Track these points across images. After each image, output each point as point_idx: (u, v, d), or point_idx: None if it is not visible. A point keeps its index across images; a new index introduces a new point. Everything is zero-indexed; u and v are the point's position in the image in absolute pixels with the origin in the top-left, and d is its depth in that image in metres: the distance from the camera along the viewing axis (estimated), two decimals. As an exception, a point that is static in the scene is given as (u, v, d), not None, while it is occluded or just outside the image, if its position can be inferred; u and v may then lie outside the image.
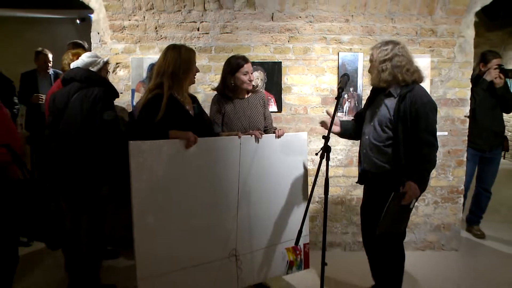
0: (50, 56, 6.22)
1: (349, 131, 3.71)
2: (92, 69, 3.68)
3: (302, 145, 3.71)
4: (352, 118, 3.86)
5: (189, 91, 3.49)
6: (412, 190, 3.10)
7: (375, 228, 3.27)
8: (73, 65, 3.74)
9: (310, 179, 3.62)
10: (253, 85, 3.75)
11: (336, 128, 3.62)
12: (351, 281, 4.19)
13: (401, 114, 3.21)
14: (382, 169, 3.35)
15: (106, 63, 3.84)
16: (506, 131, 5.54)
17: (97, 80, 3.63)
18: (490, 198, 5.46)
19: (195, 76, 3.38)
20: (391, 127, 3.27)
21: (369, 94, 3.63)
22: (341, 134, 3.74)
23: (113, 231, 4.78)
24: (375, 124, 3.37)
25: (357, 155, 3.84)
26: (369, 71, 3.46)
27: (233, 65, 3.63)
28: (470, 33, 4.76)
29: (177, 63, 3.20)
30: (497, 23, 8.53)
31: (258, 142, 3.41)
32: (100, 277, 3.77)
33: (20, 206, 3.22)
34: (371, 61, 3.40)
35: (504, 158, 5.81)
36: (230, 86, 3.67)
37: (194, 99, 3.50)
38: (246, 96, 3.77)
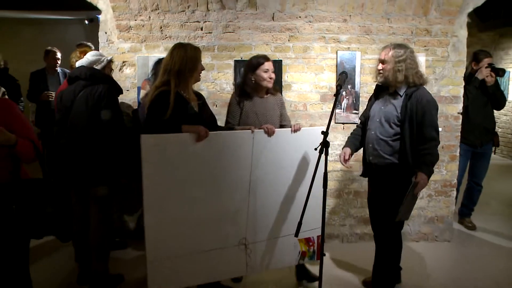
0: (59, 54, 6.18)
1: (359, 144, 3.73)
2: (96, 67, 3.67)
3: (317, 139, 3.51)
4: (358, 124, 3.82)
5: (194, 89, 3.43)
6: (424, 181, 3.23)
7: (383, 218, 3.44)
8: (78, 63, 3.72)
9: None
10: (275, 87, 3.72)
11: (348, 154, 3.61)
12: (349, 271, 4.17)
13: (408, 111, 3.31)
14: (389, 162, 3.42)
15: (110, 61, 3.83)
16: (496, 127, 5.50)
17: (101, 78, 3.61)
18: (481, 192, 5.44)
19: (200, 74, 3.32)
20: (398, 123, 3.36)
21: (372, 93, 3.69)
22: (356, 151, 3.75)
23: (121, 223, 4.76)
24: (382, 121, 3.44)
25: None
26: (380, 71, 3.44)
27: (254, 63, 3.59)
28: (463, 33, 4.73)
29: (183, 62, 3.12)
30: (488, 24, 8.50)
31: (270, 136, 3.32)
32: (108, 267, 3.73)
33: (34, 207, 3.15)
34: (383, 61, 3.41)
35: (494, 153, 5.79)
36: (250, 83, 3.61)
37: (199, 96, 3.44)
38: (265, 96, 3.70)
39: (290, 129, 3.47)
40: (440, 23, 4.61)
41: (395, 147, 3.38)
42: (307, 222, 3.42)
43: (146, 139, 2.91)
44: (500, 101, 5.19)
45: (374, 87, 4.61)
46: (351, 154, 3.63)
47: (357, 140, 3.72)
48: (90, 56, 3.71)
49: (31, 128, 2.88)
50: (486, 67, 4.97)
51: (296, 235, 3.01)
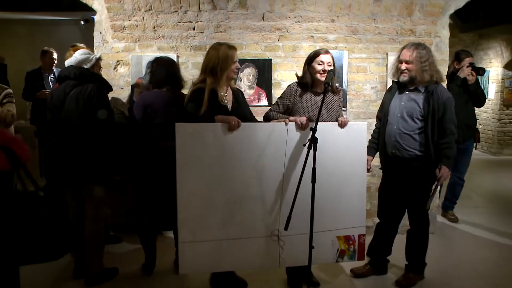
0: (56, 55, 6.10)
1: (377, 147, 3.78)
2: (85, 66, 3.57)
3: (360, 134, 3.40)
4: (377, 125, 3.84)
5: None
6: (447, 173, 3.43)
7: (412, 206, 3.61)
8: (67, 63, 3.64)
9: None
10: (336, 87, 3.53)
11: (370, 163, 3.65)
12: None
13: (431, 107, 3.40)
14: (413, 154, 3.51)
15: (99, 60, 3.72)
16: (477, 124, 5.52)
17: (90, 77, 3.53)
18: (463, 186, 5.45)
19: (236, 72, 3.30)
20: (421, 118, 3.46)
21: (388, 89, 3.80)
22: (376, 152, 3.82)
23: (115, 217, 4.71)
24: (404, 116, 3.51)
25: None
26: (405, 70, 3.46)
27: (311, 55, 3.42)
28: (445, 33, 4.74)
29: (216, 61, 3.18)
30: (469, 25, 8.52)
31: (303, 129, 3.18)
32: (102, 261, 3.69)
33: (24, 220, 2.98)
34: (407, 61, 3.44)
35: (475, 149, 5.81)
36: (306, 76, 3.43)
37: (237, 93, 3.43)
38: (321, 91, 3.41)
39: (335, 123, 3.32)
40: (424, 24, 4.60)
41: (418, 140, 3.48)
42: (347, 220, 3.39)
43: (180, 127, 2.99)
44: (481, 99, 5.20)
45: (361, 85, 4.65)
46: (371, 160, 3.71)
47: (376, 144, 3.77)
48: (78, 55, 3.61)
49: (8, 135, 2.74)
50: (467, 66, 4.98)
51: (285, 228, 2.93)
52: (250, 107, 3.58)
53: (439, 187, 3.61)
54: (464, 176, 5.38)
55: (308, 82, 3.42)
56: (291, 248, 3.25)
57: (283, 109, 3.48)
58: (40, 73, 6.03)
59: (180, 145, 3.00)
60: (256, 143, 3.15)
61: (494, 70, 10.00)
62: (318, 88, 3.43)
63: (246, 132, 3.11)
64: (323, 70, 3.33)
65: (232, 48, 3.28)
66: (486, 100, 5.73)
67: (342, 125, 3.31)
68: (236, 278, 3.65)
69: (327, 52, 3.40)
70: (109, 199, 3.75)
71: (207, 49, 3.28)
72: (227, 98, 3.32)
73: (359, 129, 3.41)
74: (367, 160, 3.54)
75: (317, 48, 4.44)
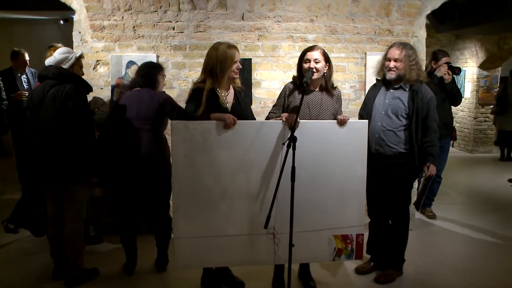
0: (27, 55, 5.98)
1: None
2: (64, 66, 3.48)
3: (361, 132, 3.27)
4: (359, 118, 3.84)
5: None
6: (434, 170, 3.49)
7: (394, 201, 3.64)
8: (47, 62, 3.55)
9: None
10: (332, 85, 3.44)
11: None
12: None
13: (415, 106, 3.46)
14: (395, 151, 3.55)
15: (79, 59, 3.61)
16: (454, 122, 5.58)
17: (68, 77, 3.45)
18: (440, 183, 5.50)
19: (236, 72, 3.19)
20: (406, 116, 3.51)
21: (371, 87, 3.81)
22: None
23: (97, 217, 4.65)
24: (389, 113, 3.55)
25: None
26: (392, 68, 3.49)
27: (301, 53, 3.36)
28: (422, 33, 4.78)
29: (215, 61, 3.11)
30: (445, 25, 8.62)
31: (295, 126, 2.96)
32: (83, 261, 3.63)
33: None
34: (396, 60, 3.48)
35: (452, 147, 5.87)
36: (298, 75, 3.38)
37: (240, 93, 3.34)
38: (316, 90, 3.38)
39: (334, 121, 3.19)
40: (401, 24, 4.63)
41: (402, 137, 3.53)
42: (345, 219, 3.30)
43: (176, 124, 3.00)
44: (457, 98, 5.25)
45: (340, 84, 4.65)
46: None
47: None
48: (57, 55, 3.52)
49: None
50: (444, 65, 5.03)
51: (265, 226, 2.89)
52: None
53: (426, 185, 3.65)
54: (442, 174, 5.43)
55: (298, 80, 3.36)
56: (287, 245, 3.07)
57: (281, 109, 3.42)
58: (11, 73, 5.88)
59: (175, 142, 2.99)
60: (252, 141, 3.09)
61: (469, 69, 10.14)
62: (311, 86, 3.33)
63: (242, 130, 3.07)
64: (309, 68, 3.24)
65: (232, 47, 3.16)
66: (462, 99, 5.80)
67: (342, 123, 3.18)
68: (233, 278, 3.63)
69: (313, 48, 3.31)
70: (88, 199, 3.69)
71: (208, 49, 3.21)
72: (228, 98, 3.25)
73: (360, 127, 3.29)
74: None
75: (297, 48, 4.49)
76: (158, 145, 3.68)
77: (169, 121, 3.42)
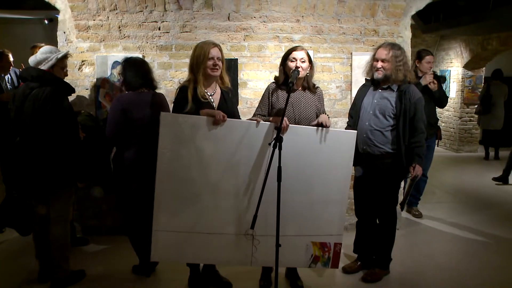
0: (11, 57, 5.90)
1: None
2: (42, 67, 3.36)
3: (349, 143, 3.26)
4: (349, 122, 3.84)
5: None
6: (420, 171, 3.49)
7: (381, 201, 3.65)
8: (29, 61, 3.44)
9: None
10: (313, 84, 3.46)
11: None
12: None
13: (403, 106, 3.46)
14: (382, 151, 3.56)
15: (61, 59, 3.45)
16: (440, 122, 5.63)
17: (47, 79, 3.34)
18: (426, 182, 5.55)
19: (211, 68, 3.14)
20: (393, 116, 3.51)
21: (361, 87, 3.79)
22: None
23: (83, 219, 4.61)
24: (377, 113, 3.55)
25: None
26: (380, 68, 3.50)
27: (286, 53, 3.37)
28: (408, 34, 4.80)
29: (193, 60, 3.17)
30: (430, 26, 8.68)
31: (281, 127, 2.95)
32: (69, 263, 3.60)
33: None
34: (383, 60, 3.49)
35: (437, 146, 5.92)
36: (280, 75, 3.41)
37: (227, 93, 3.33)
38: (299, 89, 3.41)
39: (325, 129, 3.17)
40: (387, 24, 4.65)
41: (389, 137, 3.53)
42: (325, 227, 3.29)
43: (164, 116, 2.97)
44: (443, 102, 5.31)
45: (326, 84, 4.67)
46: None
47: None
48: (39, 54, 3.39)
49: None
50: (429, 74, 5.07)
51: (252, 227, 2.90)
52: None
53: (411, 185, 3.68)
54: (427, 172, 5.47)
55: (281, 80, 3.39)
56: (265, 248, 3.16)
57: (265, 109, 3.43)
58: None
59: (162, 134, 2.95)
60: (241, 139, 3.07)
61: (454, 69, 10.23)
62: (295, 85, 3.30)
63: (231, 127, 3.05)
64: (296, 67, 3.26)
65: (210, 43, 3.17)
66: (448, 99, 5.83)
67: (324, 124, 3.17)
68: (221, 279, 3.63)
69: (297, 48, 3.34)
70: (76, 201, 3.66)
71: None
72: (214, 96, 3.24)
73: (348, 137, 3.29)
74: None
75: (283, 48, 4.49)
76: None
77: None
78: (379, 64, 3.51)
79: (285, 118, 3.02)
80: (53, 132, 3.30)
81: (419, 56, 5.21)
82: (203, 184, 3.08)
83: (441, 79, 5.18)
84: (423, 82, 5.01)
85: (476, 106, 9.73)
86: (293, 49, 3.35)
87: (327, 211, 3.28)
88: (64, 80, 3.52)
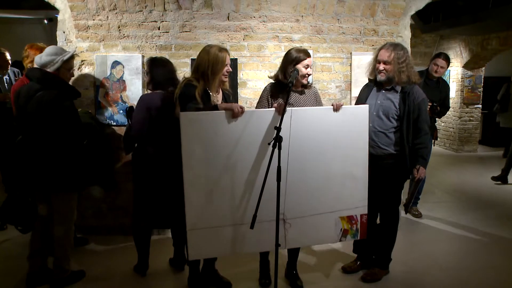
0: (8, 55, 5.87)
1: None
2: (48, 70, 3.30)
3: (362, 117, 3.40)
4: None
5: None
6: (424, 172, 3.51)
7: (384, 202, 3.64)
8: (35, 61, 3.40)
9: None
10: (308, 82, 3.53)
11: None
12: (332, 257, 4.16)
13: (407, 108, 3.44)
14: (386, 152, 3.55)
15: (67, 61, 3.39)
16: (439, 121, 5.66)
17: (52, 82, 3.30)
18: (425, 181, 5.54)
19: (226, 75, 3.25)
20: (396, 118, 3.49)
21: (363, 87, 3.75)
22: None
23: (82, 219, 4.60)
24: (380, 115, 3.54)
25: None
26: (382, 70, 3.47)
27: (296, 57, 3.39)
28: (407, 33, 4.80)
29: (206, 64, 3.15)
30: (430, 26, 8.69)
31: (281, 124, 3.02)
32: (70, 264, 3.59)
33: None
34: (385, 62, 3.45)
35: (434, 146, 5.92)
36: (287, 76, 3.40)
37: (228, 96, 3.41)
38: (299, 89, 3.51)
39: (331, 107, 3.28)
40: (386, 24, 4.65)
41: (393, 139, 3.52)
42: (350, 200, 3.45)
43: (185, 115, 2.98)
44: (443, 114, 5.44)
45: (326, 84, 4.67)
46: None
47: None
48: (44, 56, 3.33)
49: None
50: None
51: (251, 227, 2.89)
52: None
53: (416, 187, 3.71)
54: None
55: (285, 80, 3.40)
56: (296, 230, 3.32)
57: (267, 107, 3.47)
58: None
59: (184, 134, 2.98)
60: (260, 129, 3.12)
61: (454, 69, 10.24)
62: (297, 86, 3.45)
63: (249, 118, 3.08)
64: (308, 74, 3.41)
65: (223, 50, 3.21)
66: (446, 111, 5.84)
67: (337, 108, 3.28)
68: (221, 278, 3.64)
69: (309, 55, 3.43)
70: (77, 204, 3.60)
71: (199, 51, 3.23)
72: (217, 97, 3.29)
73: (361, 112, 3.41)
74: None
75: (282, 48, 4.49)
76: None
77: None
78: (381, 66, 3.48)
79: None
80: (55, 136, 3.27)
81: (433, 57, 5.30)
82: (229, 177, 3.12)
83: (435, 110, 5.17)
84: None
85: (476, 106, 9.76)
86: (306, 54, 3.39)
87: (350, 185, 3.42)
88: (69, 83, 3.49)
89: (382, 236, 3.77)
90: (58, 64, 3.33)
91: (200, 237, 3.11)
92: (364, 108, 3.41)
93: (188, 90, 3.12)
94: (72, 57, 3.48)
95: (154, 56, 3.87)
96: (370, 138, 3.54)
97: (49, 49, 3.39)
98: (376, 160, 3.57)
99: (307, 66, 3.38)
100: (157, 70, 3.60)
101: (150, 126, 3.51)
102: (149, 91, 3.69)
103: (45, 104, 3.22)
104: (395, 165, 3.56)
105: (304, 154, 3.21)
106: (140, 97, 3.64)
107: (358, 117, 3.37)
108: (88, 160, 3.51)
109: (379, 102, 3.56)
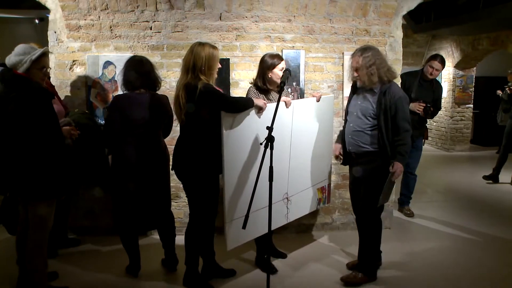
0: None
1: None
2: (19, 71, 3.08)
3: (329, 104, 4.21)
4: (344, 119, 3.96)
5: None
6: (400, 169, 3.46)
7: (364, 202, 3.66)
8: (5, 61, 3.16)
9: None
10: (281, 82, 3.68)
11: (339, 149, 3.90)
12: (335, 255, 4.17)
13: (383, 106, 3.48)
14: (365, 150, 3.61)
15: (37, 60, 3.13)
16: (430, 121, 5.69)
17: (19, 84, 3.06)
18: (416, 180, 5.59)
19: (217, 72, 3.41)
20: (373, 116, 3.55)
21: (350, 91, 3.86)
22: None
23: (75, 220, 4.59)
24: (359, 115, 3.62)
25: None
26: (357, 77, 3.57)
27: (271, 63, 3.69)
28: (399, 33, 4.81)
29: (203, 61, 3.23)
30: (422, 26, 8.74)
31: (287, 107, 3.67)
32: (46, 278, 3.38)
33: None
34: (356, 68, 3.53)
35: (424, 145, 5.94)
36: (267, 80, 3.73)
37: None
38: (276, 89, 3.79)
39: (313, 98, 3.98)
40: (378, 24, 4.67)
41: (372, 137, 3.57)
42: (322, 175, 4.27)
43: (225, 116, 3.19)
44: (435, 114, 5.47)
45: (318, 84, 4.69)
46: (342, 148, 3.86)
47: (341, 135, 3.90)
48: (12, 56, 3.10)
49: None
50: (421, 104, 5.16)
51: (244, 227, 2.96)
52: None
53: (394, 183, 3.69)
54: (416, 171, 5.53)
55: (269, 84, 3.75)
56: (293, 205, 3.96)
57: None
58: None
59: (227, 133, 3.20)
60: (287, 118, 3.70)
61: (446, 69, 10.27)
62: (271, 86, 3.79)
63: (272, 111, 3.24)
64: (287, 69, 3.65)
65: (216, 48, 3.33)
66: (438, 112, 5.87)
67: (318, 99, 3.99)
68: (224, 269, 3.78)
69: (282, 59, 3.80)
70: (54, 211, 3.32)
71: (189, 49, 3.29)
72: None
73: (328, 100, 4.19)
74: (335, 147, 3.92)
75: (274, 48, 4.50)
76: (164, 146, 3.72)
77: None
78: (355, 74, 3.56)
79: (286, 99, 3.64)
80: (25, 142, 3.06)
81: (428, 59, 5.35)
82: (253, 167, 3.39)
83: (428, 112, 5.22)
84: (411, 108, 4.93)
85: (467, 105, 9.80)
86: (280, 59, 3.73)
87: (321, 162, 4.21)
88: (43, 83, 3.27)
89: (362, 238, 3.76)
90: (27, 64, 3.08)
91: (235, 227, 3.35)
92: (330, 97, 4.28)
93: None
94: (42, 55, 3.19)
95: (133, 55, 3.85)
96: (351, 138, 3.65)
97: (18, 49, 3.15)
98: (358, 159, 3.66)
99: (282, 69, 3.68)
100: (130, 70, 3.53)
101: (123, 127, 3.48)
102: (126, 92, 3.60)
103: (14, 107, 3.01)
104: (375, 163, 3.57)
105: (300, 139, 3.86)
106: (114, 97, 3.63)
107: (328, 105, 4.18)
108: (71, 164, 3.34)
109: (359, 102, 3.65)
